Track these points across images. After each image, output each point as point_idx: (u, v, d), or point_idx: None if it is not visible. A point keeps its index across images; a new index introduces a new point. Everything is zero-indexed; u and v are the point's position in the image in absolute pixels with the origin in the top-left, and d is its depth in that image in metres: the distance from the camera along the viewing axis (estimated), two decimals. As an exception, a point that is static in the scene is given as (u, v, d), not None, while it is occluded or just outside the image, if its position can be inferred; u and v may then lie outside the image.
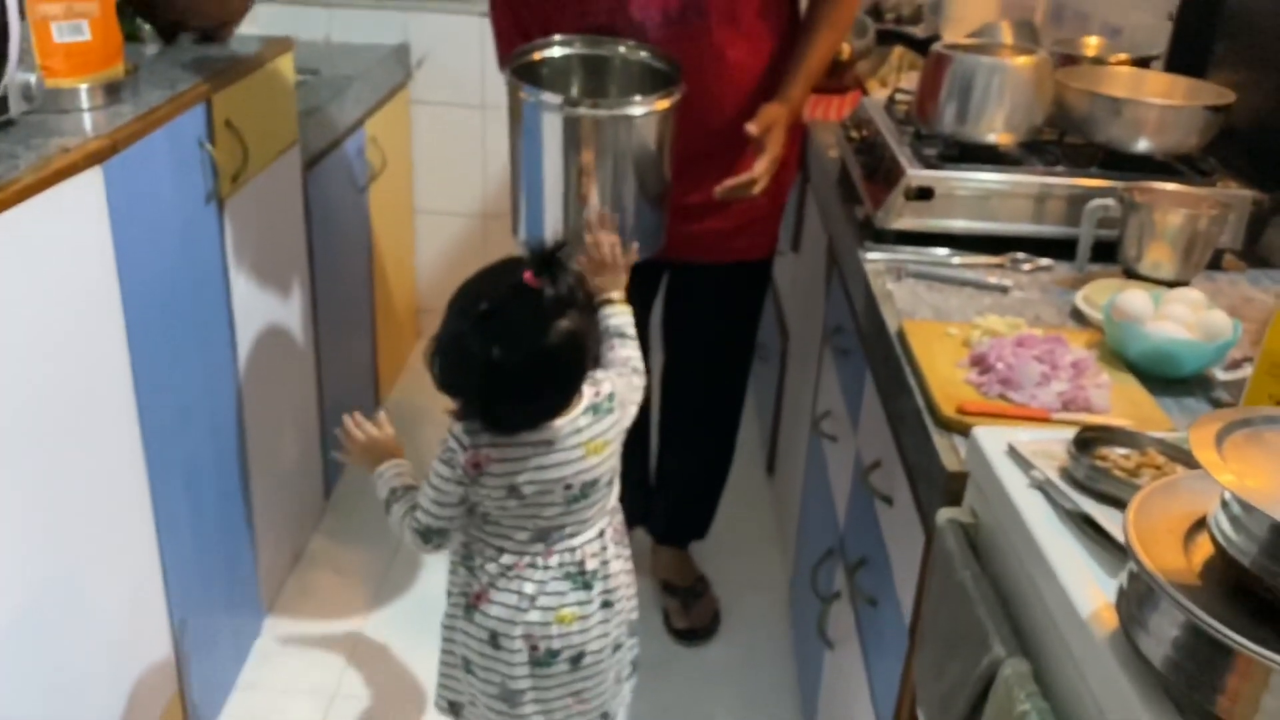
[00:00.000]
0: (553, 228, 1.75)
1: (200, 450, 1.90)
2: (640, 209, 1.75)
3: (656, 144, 1.72)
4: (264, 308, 2.14)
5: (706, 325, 2.20)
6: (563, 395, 1.44)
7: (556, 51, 1.81)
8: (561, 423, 1.44)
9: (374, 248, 2.88)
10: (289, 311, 2.28)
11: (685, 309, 2.21)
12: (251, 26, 2.25)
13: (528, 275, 1.36)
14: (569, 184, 1.70)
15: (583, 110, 1.66)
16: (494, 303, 1.36)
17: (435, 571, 2.44)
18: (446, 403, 1.46)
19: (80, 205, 1.49)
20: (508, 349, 1.34)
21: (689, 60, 1.78)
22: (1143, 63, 1.94)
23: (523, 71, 1.75)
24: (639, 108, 1.68)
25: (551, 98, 1.66)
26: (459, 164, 3.27)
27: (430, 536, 1.50)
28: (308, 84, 2.56)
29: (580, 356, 1.41)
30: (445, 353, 1.40)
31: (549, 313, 1.35)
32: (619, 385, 1.53)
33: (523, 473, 1.43)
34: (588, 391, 1.48)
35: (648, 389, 2.32)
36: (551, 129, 1.67)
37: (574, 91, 1.83)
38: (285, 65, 2.15)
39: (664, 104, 1.69)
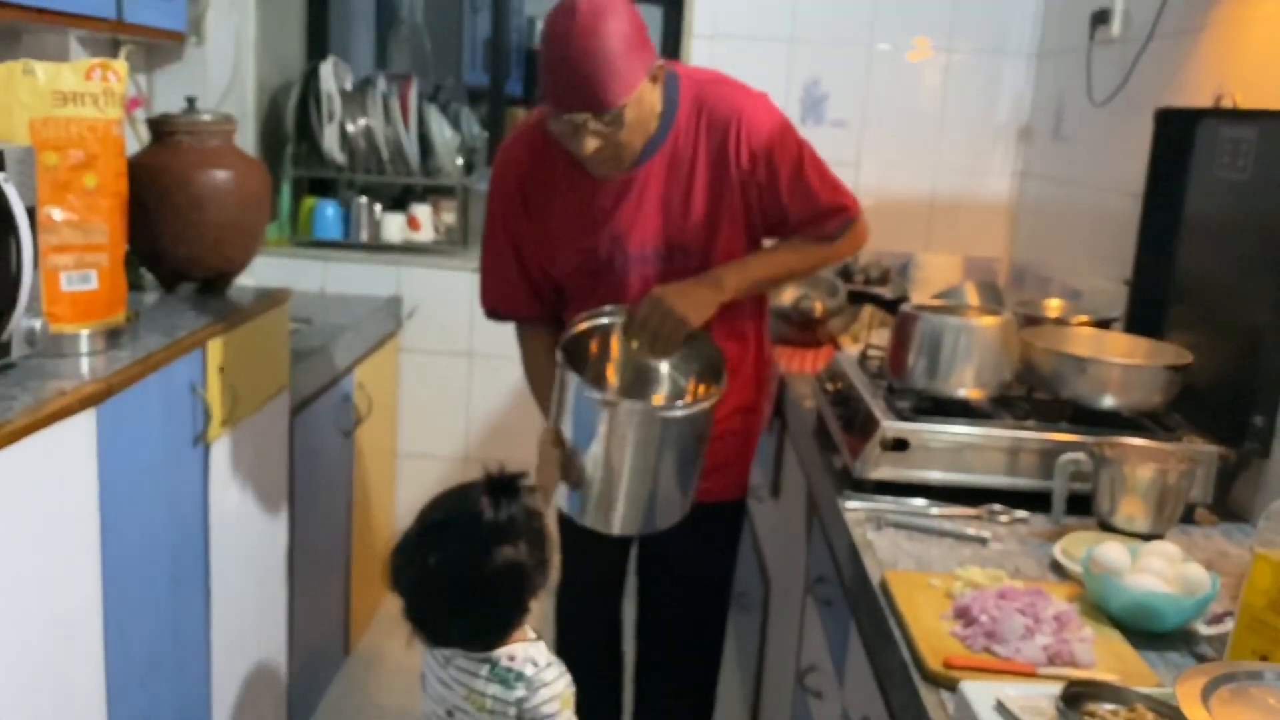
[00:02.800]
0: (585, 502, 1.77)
1: (164, 701, 1.83)
2: (669, 490, 1.79)
3: (695, 437, 1.77)
4: (241, 553, 2.11)
5: (680, 567, 2.17)
6: (491, 621, 1.47)
7: (604, 320, 1.85)
8: (463, 660, 1.47)
9: (355, 492, 2.89)
10: (266, 557, 2.25)
11: (659, 550, 2.19)
12: (250, 278, 2.35)
13: (484, 501, 1.43)
14: (608, 465, 1.73)
15: (626, 405, 1.70)
16: (446, 515, 1.46)
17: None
18: (414, 660, 1.54)
19: (71, 446, 1.50)
20: (443, 560, 1.42)
21: None
22: (1103, 324, 2.03)
23: (571, 344, 1.78)
24: (681, 410, 1.73)
25: (594, 393, 1.70)
26: (444, 409, 3.33)
27: None
28: (301, 332, 2.64)
29: (516, 587, 1.45)
30: (396, 551, 1.49)
31: (492, 537, 1.42)
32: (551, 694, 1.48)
33: (428, 671, 1.53)
34: (505, 651, 1.47)
35: (623, 643, 2.29)
36: (596, 416, 1.70)
37: (614, 358, 1.85)
38: (280, 315, 2.23)
39: (705, 405, 1.74)
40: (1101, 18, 2.50)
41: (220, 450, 1.98)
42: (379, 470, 3.15)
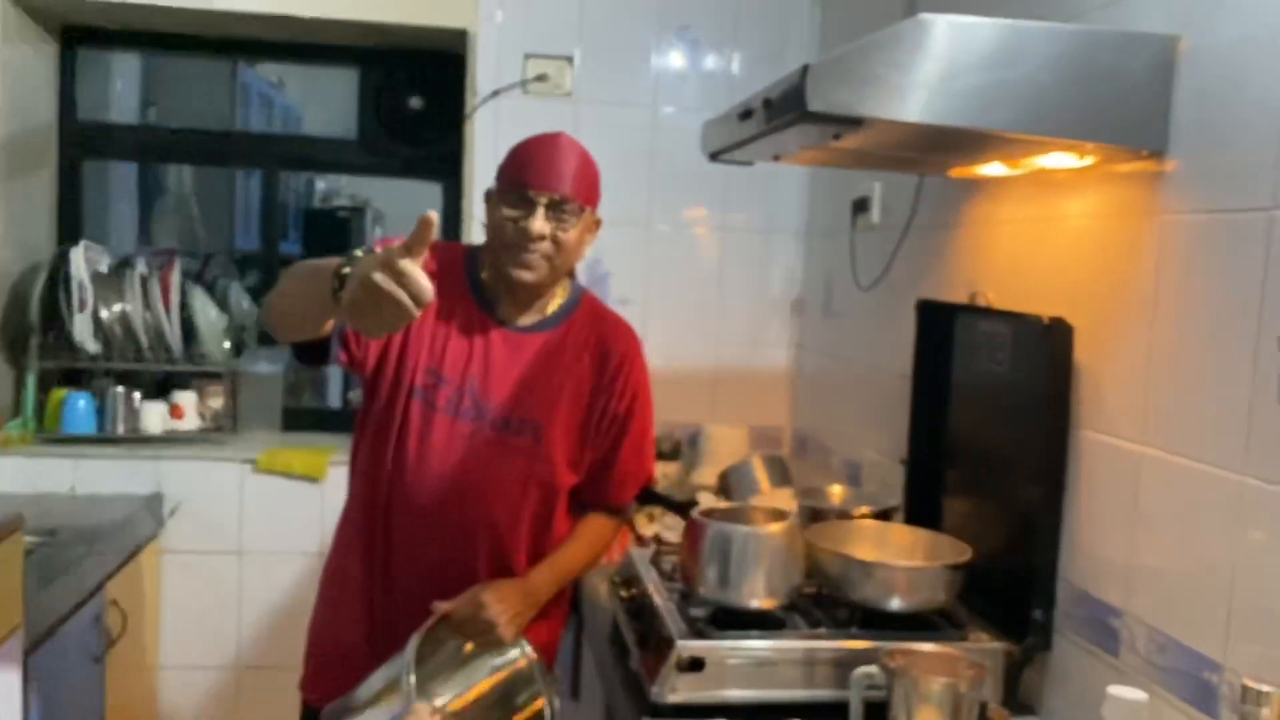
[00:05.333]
0: None
1: None
2: None
3: None
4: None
5: None
6: None
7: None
8: None
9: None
10: (-8, 824, 1.95)
11: None
12: (-19, 494, 2.10)
13: None
14: None
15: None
16: None
17: None
18: None
19: None
20: None
21: (508, 468, 1.86)
22: (884, 515, 2.06)
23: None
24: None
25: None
26: (211, 614, 3.05)
27: None
28: (42, 550, 2.37)
29: None
30: None
31: None
32: None
33: None
34: None
35: None
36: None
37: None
38: (12, 547, 1.98)
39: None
40: (861, 206, 2.63)
41: (-67, 715, 1.71)
42: (138, 690, 2.84)
